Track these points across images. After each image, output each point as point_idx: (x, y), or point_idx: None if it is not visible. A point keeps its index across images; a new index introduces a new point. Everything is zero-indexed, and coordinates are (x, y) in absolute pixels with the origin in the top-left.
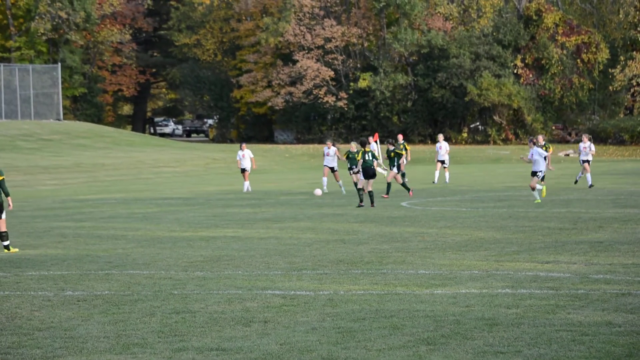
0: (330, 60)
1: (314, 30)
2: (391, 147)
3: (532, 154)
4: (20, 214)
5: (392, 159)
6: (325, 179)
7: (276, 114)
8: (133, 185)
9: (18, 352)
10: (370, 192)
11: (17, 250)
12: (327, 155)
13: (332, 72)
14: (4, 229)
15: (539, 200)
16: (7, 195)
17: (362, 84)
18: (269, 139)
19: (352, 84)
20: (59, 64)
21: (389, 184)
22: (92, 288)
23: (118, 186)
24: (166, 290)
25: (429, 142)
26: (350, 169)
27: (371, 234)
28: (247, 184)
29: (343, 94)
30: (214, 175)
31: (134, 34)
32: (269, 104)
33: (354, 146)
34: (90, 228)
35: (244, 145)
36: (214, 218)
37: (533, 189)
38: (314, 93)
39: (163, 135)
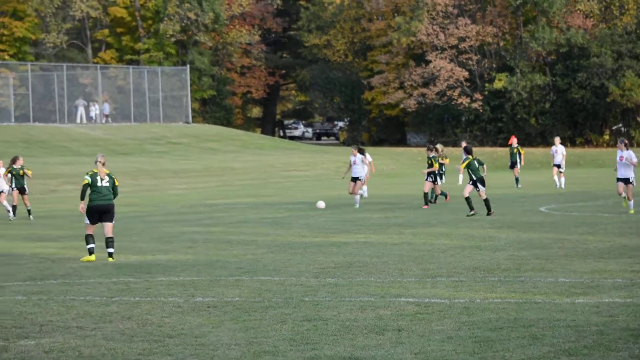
0: (464, 61)
1: (448, 29)
2: (431, 154)
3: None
4: (150, 219)
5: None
6: (357, 197)
7: (408, 116)
8: (263, 190)
9: (149, 358)
10: (485, 200)
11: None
12: (354, 163)
13: (467, 73)
14: (111, 234)
15: None
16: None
17: (498, 84)
18: (402, 141)
19: (487, 84)
20: (188, 66)
21: (425, 194)
22: (222, 294)
23: (248, 190)
24: (297, 297)
25: (568, 144)
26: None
27: (508, 240)
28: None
29: (478, 95)
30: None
31: (263, 35)
32: (401, 105)
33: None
34: (220, 233)
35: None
36: (345, 223)
37: None
38: (448, 94)
39: (293, 138)
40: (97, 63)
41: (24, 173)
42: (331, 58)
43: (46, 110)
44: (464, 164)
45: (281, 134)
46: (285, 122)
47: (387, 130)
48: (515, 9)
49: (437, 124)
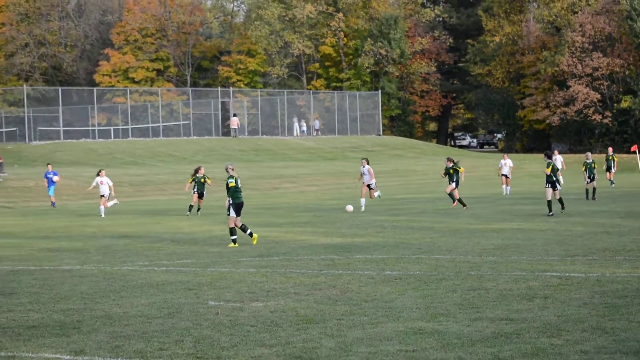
0: (597, 86)
1: (584, 61)
2: (450, 164)
3: None
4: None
5: (452, 175)
6: (363, 200)
7: (553, 129)
8: (437, 187)
9: (349, 318)
10: (559, 199)
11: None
12: (364, 173)
13: (599, 95)
14: (239, 224)
15: None
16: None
17: (624, 104)
18: (547, 149)
19: (615, 104)
20: (379, 90)
21: (450, 194)
22: (406, 269)
23: (426, 188)
24: (464, 271)
25: None
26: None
27: (632, 227)
28: (507, 188)
29: (608, 113)
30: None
31: (438, 66)
32: (547, 121)
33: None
34: (405, 221)
35: (505, 155)
36: (502, 214)
37: None
38: (584, 112)
39: (461, 147)
40: (310, 89)
41: (204, 181)
42: (492, 84)
43: (271, 125)
44: (549, 169)
45: (452, 143)
46: (456, 134)
47: (535, 140)
48: (637, 45)
49: (575, 135)
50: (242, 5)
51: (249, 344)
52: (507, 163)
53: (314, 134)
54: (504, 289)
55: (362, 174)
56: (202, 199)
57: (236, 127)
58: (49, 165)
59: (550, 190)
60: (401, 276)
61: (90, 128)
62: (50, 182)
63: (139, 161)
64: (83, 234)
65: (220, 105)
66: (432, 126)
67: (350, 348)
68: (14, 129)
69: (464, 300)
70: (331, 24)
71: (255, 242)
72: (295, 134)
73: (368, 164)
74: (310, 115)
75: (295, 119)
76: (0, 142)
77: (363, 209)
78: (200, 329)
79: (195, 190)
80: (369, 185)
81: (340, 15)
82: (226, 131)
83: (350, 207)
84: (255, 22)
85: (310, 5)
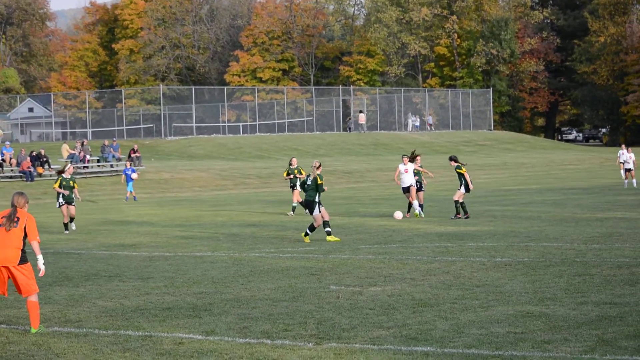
0: None
1: None
2: (454, 165)
3: None
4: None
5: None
6: (415, 202)
7: None
8: (545, 179)
9: (462, 302)
10: None
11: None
12: (405, 172)
13: None
14: (327, 218)
15: None
16: (320, 192)
17: None
18: None
19: None
20: (491, 88)
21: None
22: (515, 256)
23: (534, 179)
24: (570, 258)
25: None
26: None
27: None
28: (628, 181)
29: None
30: (606, 171)
31: (546, 65)
32: None
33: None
34: (514, 211)
35: (623, 146)
36: (606, 204)
37: None
38: None
39: (567, 141)
40: (425, 87)
41: (297, 173)
42: (597, 81)
43: (388, 121)
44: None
45: (559, 138)
46: (562, 129)
47: (638, 134)
48: None
49: None
50: (362, 9)
51: (368, 325)
52: (631, 156)
53: (428, 129)
54: (608, 274)
55: (401, 173)
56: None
57: (362, 122)
58: (128, 163)
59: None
60: (511, 262)
61: (220, 124)
62: (129, 178)
63: (265, 155)
64: (214, 223)
65: (341, 103)
66: (540, 121)
67: (463, 330)
68: (151, 125)
69: (569, 285)
70: (445, 26)
71: (306, 240)
72: (410, 129)
73: (411, 161)
74: (426, 111)
75: (410, 115)
76: (139, 137)
77: (418, 213)
78: (322, 312)
79: (290, 185)
80: (409, 187)
81: (454, 17)
82: (346, 127)
83: (399, 214)
84: (375, 25)
85: (426, 9)
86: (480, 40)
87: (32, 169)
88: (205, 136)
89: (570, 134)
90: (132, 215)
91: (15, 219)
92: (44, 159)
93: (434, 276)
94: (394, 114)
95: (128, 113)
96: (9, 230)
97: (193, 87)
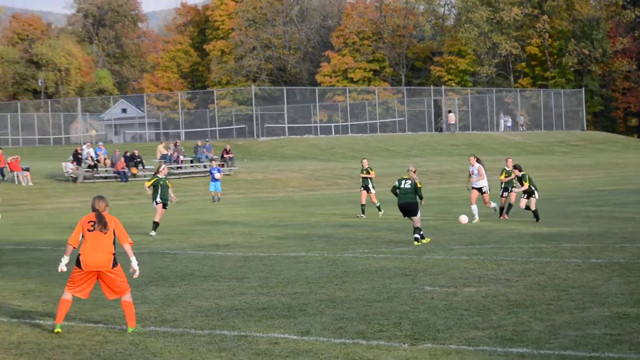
0: None
1: None
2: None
3: None
4: (556, 201)
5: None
6: (474, 207)
7: None
8: (637, 179)
9: (557, 303)
10: None
11: (429, 239)
12: (473, 173)
13: None
14: (418, 225)
15: None
16: (420, 198)
17: None
18: None
19: None
20: (583, 88)
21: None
22: (610, 257)
23: (628, 180)
24: None
25: None
26: None
27: None
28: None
29: None
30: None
31: (638, 65)
32: None
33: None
34: (608, 211)
35: None
36: None
37: None
38: None
39: None
40: (517, 87)
41: (366, 174)
42: None
43: (480, 122)
44: None
45: None
46: None
47: None
48: None
49: None
50: (453, 9)
51: (463, 326)
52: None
53: (521, 129)
54: None
55: (470, 174)
56: (369, 192)
57: (453, 122)
58: (214, 162)
59: None
60: (606, 264)
61: (312, 125)
62: (213, 178)
63: (357, 155)
64: (307, 223)
65: (432, 103)
66: (634, 121)
67: (559, 331)
68: (244, 126)
69: None
70: (536, 26)
71: (425, 241)
72: (501, 129)
73: (478, 161)
74: (517, 111)
75: (502, 115)
76: (231, 138)
77: (477, 219)
78: (417, 312)
79: (362, 186)
80: (480, 189)
81: (545, 17)
82: (438, 127)
83: (464, 218)
84: (465, 25)
85: (517, 8)
86: (572, 39)
87: (126, 170)
88: (298, 137)
89: None
90: (225, 216)
91: (106, 223)
92: (138, 160)
93: (528, 277)
94: (486, 114)
95: (220, 114)
96: (105, 233)
97: (284, 88)
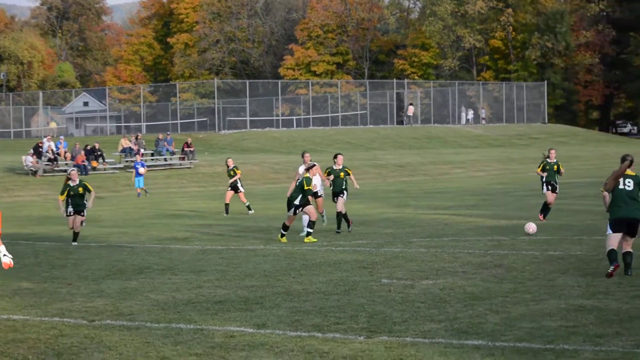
0: None
1: None
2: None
3: None
4: (515, 194)
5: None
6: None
7: None
8: (598, 172)
9: (514, 296)
10: None
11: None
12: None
13: None
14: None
15: None
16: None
17: None
18: None
19: None
20: (545, 81)
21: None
22: (568, 249)
23: (587, 173)
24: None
25: None
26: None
27: None
28: None
29: None
30: None
31: (601, 58)
32: None
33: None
34: (567, 204)
35: None
36: None
37: None
38: None
39: (622, 134)
40: (480, 80)
41: (234, 173)
42: None
43: (442, 115)
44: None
45: (613, 131)
46: (617, 122)
47: None
48: None
49: None
50: (418, 2)
51: (419, 319)
52: None
53: (482, 122)
54: None
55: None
56: (237, 192)
57: (411, 114)
58: (138, 157)
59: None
60: (563, 256)
61: (274, 118)
62: (137, 173)
63: (318, 148)
64: (266, 216)
65: (395, 96)
66: (595, 114)
67: (514, 323)
68: (205, 119)
69: (622, 279)
70: (501, 19)
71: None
72: (463, 122)
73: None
74: (479, 104)
75: (463, 108)
76: (192, 131)
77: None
78: (373, 305)
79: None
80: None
81: (510, 10)
82: (400, 120)
83: (532, 227)
84: (430, 18)
85: (482, 2)
86: (536, 33)
87: (86, 163)
88: (259, 130)
89: (625, 127)
90: (185, 209)
91: None
92: (99, 153)
93: (485, 270)
94: (448, 107)
95: (182, 107)
96: None
97: (247, 81)
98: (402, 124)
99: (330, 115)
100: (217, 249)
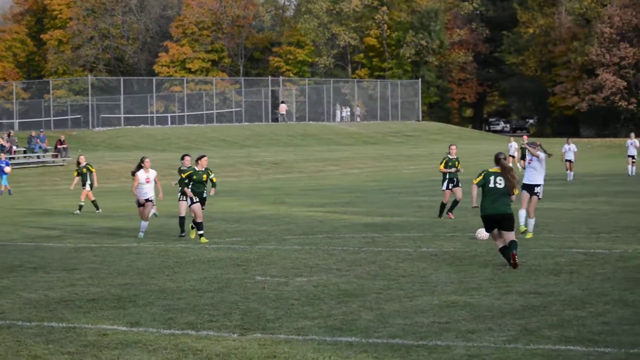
0: (624, 74)
1: (612, 51)
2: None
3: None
4: (390, 191)
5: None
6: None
7: (581, 115)
8: (472, 169)
9: (387, 292)
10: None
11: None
12: (147, 181)
13: (625, 83)
14: (200, 220)
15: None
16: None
17: None
18: (575, 134)
19: None
20: (419, 79)
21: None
22: (441, 246)
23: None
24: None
25: None
26: None
27: None
28: (570, 173)
29: (633, 100)
30: None
31: (475, 56)
32: (576, 107)
33: None
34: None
35: (569, 140)
36: None
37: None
38: (611, 99)
39: (495, 131)
40: (355, 78)
41: (86, 171)
42: (525, 72)
43: (317, 112)
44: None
45: (486, 128)
46: (490, 119)
47: (564, 125)
48: None
49: (602, 120)
50: (293, 0)
51: (293, 316)
52: (571, 148)
53: (357, 120)
54: (532, 264)
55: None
56: (90, 190)
57: (284, 112)
58: (2, 155)
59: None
60: (436, 253)
61: (149, 115)
62: (2, 171)
63: (193, 146)
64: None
65: (270, 94)
66: (468, 112)
67: (388, 320)
68: (79, 116)
69: (494, 275)
70: (376, 17)
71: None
72: (338, 119)
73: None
74: (354, 102)
75: (338, 106)
76: (66, 128)
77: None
78: (247, 303)
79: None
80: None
81: (384, 8)
82: (275, 117)
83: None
84: (305, 15)
85: (357, 0)
86: (410, 31)
87: None
88: (134, 127)
89: (497, 124)
90: (57, 207)
91: None
92: None
93: (359, 267)
94: (323, 104)
95: (56, 104)
96: None
97: (121, 78)
98: (277, 121)
99: (205, 112)
100: (90, 247)
